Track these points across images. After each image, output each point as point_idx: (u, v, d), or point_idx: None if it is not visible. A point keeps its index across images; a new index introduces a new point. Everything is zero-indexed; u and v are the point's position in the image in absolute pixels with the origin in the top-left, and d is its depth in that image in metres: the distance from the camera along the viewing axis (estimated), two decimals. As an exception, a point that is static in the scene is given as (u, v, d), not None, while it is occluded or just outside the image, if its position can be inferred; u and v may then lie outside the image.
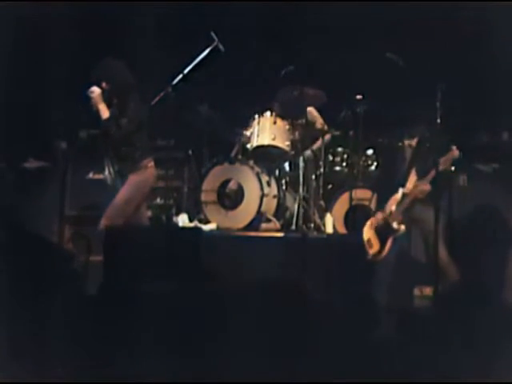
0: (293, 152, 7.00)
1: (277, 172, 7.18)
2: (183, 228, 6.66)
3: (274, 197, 6.97)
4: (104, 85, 5.85)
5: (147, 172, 5.90)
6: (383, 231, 6.02)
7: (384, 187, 6.36)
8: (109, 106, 5.86)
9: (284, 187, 7.13)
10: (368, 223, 6.18)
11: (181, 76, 6.59)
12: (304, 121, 7.16)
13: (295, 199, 6.94)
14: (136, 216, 5.89)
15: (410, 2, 7.30)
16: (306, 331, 3.12)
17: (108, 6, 7.57)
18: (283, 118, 7.05)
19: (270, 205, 6.93)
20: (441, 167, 5.90)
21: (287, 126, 7.01)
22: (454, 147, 5.97)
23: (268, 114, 7.06)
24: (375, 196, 6.98)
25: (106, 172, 5.93)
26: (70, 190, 7.24)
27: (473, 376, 2.94)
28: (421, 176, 6.07)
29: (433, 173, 5.93)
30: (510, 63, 6.75)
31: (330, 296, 5.05)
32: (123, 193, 5.83)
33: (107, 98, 5.87)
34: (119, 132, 5.80)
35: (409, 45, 7.10)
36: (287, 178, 7.22)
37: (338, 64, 7.48)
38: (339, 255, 6.18)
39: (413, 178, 6.13)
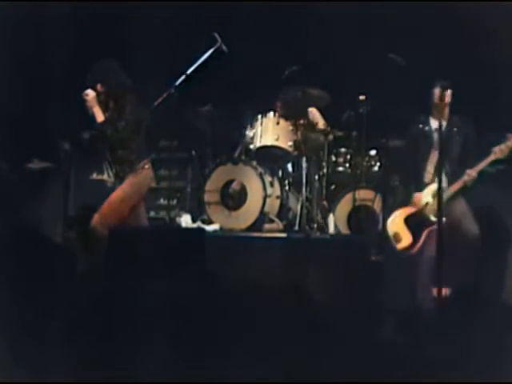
0: (296, 152, 6.99)
1: (280, 172, 7.18)
2: (186, 228, 6.67)
3: (277, 197, 6.97)
4: (99, 87, 5.82)
5: (144, 173, 5.88)
6: (417, 223, 5.91)
7: (412, 175, 6.22)
8: (105, 109, 5.84)
9: (287, 188, 7.14)
10: (395, 216, 6.10)
11: (184, 77, 6.61)
12: (307, 121, 7.16)
13: (298, 200, 6.94)
14: (133, 217, 5.87)
15: (413, 1, 7.31)
16: (308, 332, 3.12)
17: (109, 7, 7.59)
18: (286, 118, 7.05)
19: (273, 205, 6.94)
20: (494, 156, 5.87)
21: (290, 127, 7.00)
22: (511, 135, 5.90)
23: (271, 114, 7.07)
24: (378, 196, 6.98)
25: (105, 175, 5.92)
26: (74, 191, 7.27)
27: (473, 376, 2.94)
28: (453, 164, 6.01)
29: (484, 162, 5.89)
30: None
31: (333, 296, 5.06)
32: (118, 192, 5.82)
33: (103, 100, 5.84)
34: (116, 135, 5.78)
35: (412, 45, 7.11)
36: (290, 179, 7.23)
37: (341, 65, 7.49)
38: (342, 256, 6.17)
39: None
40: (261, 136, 7.00)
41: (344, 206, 7.18)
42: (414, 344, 3.16)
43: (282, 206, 6.99)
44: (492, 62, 7.04)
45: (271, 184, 6.93)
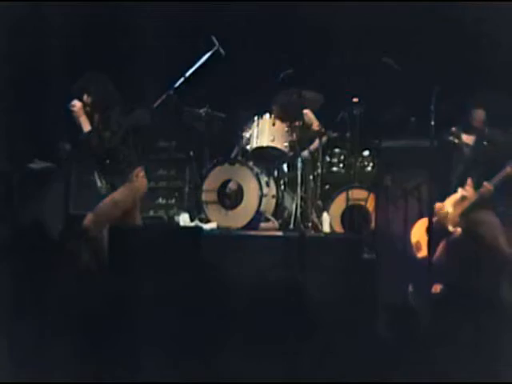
0: (291, 153, 7.03)
1: (275, 173, 7.19)
2: (184, 227, 6.69)
3: (273, 197, 7.01)
4: (85, 97, 5.89)
5: (138, 181, 5.97)
6: (436, 233, 5.91)
7: (440, 186, 6.20)
8: (92, 120, 5.90)
9: (282, 187, 7.15)
10: (418, 225, 6.18)
11: (182, 79, 6.69)
12: (302, 123, 7.23)
13: (293, 199, 6.97)
14: (127, 220, 5.94)
15: (407, 2, 7.38)
16: (304, 329, 3.15)
17: (109, 8, 7.65)
18: (282, 120, 7.06)
19: (269, 204, 6.97)
20: (508, 171, 5.92)
21: (286, 128, 7.01)
22: None
23: (267, 116, 7.07)
24: (371, 196, 7.07)
25: (99, 184, 5.99)
26: (75, 191, 7.35)
27: (473, 376, 2.96)
28: (478, 177, 6.06)
29: (499, 176, 5.94)
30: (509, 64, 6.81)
31: (327, 294, 5.12)
32: (113, 195, 5.90)
33: (89, 111, 5.90)
34: (102, 145, 5.85)
35: (405, 48, 7.20)
36: (286, 179, 7.24)
37: (335, 67, 7.57)
38: (336, 253, 6.24)
39: (469, 180, 6.12)
40: (257, 137, 7.01)
41: (338, 205, 7.25)
42: (407, 342, 3.19)
43: (277, 205, 7.02)
44: (488, 65, 7.10)
45: (267, 184, 6.96)
